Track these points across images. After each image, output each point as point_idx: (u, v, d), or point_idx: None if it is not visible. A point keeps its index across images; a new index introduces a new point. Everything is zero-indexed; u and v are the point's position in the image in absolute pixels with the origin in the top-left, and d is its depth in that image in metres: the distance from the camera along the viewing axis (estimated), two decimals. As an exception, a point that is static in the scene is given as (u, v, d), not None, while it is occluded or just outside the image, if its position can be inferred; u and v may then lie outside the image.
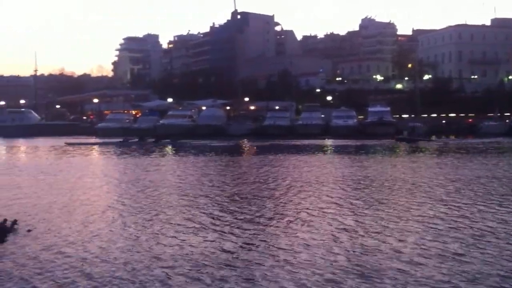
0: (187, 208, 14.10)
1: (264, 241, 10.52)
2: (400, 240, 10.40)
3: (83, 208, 14.46)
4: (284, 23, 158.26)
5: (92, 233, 11.22)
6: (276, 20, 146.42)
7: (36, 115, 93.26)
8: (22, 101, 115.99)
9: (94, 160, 34.33)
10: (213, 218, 12.89)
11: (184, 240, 10.44)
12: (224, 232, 11.23)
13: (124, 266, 8.68)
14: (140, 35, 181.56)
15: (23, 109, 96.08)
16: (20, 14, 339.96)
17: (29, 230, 11.51)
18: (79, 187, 19.21)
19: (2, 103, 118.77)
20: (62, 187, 19.16)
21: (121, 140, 51.79)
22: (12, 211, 13.54)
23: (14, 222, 11.62)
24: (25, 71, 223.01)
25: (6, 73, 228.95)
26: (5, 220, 11.43)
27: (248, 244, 10.16)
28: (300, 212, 13.45)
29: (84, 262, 8.91)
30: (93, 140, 53.78)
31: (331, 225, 11.82)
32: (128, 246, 10.01)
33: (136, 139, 51.78)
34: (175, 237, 10.81)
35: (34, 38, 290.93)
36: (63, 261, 8.97)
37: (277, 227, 11.88)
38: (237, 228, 11.77)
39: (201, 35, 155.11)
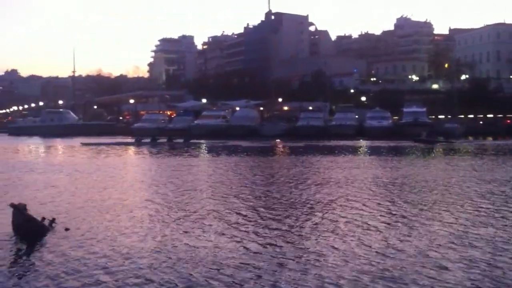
0: (222, 208, 14.12)
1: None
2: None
3: (120, 207, 14.54)
4: (318, 23, 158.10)
5: (129, 233, 11.19)
6: (310, 20, 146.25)
7: (74, 115, 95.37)
8: (60, 102, 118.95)
9: (127, 160, 34.77)
10: (243, 218, 12.93)
11: (218, 241, 10.38)
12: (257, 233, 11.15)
13: (160, 267, 8.64)
14: (175, 37, 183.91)
15: (61, 110, 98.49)
16: (59, 16, 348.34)
17: (67, 229, 11.39)
18: (115, 186, 19.36)
19: (41, 103, 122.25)
20: (97, 185, 19.34)
21: (134, 140, 52.06)
22: (49, 210, 13.58)
23: (52, 220, 11.58)
24: (64, 72, 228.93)
25: (45, 74, 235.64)
26: (44, 218, 11.34)
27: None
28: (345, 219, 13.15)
29: (124, 263, 8.87)
30: (108, 140, 54.33)
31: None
32: (167, 247, 9.95)
33: (149, 139, 52.02)
34: (209, 237, 10.78)
35: (72, 40, 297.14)
36: (100, 261, 8.99)
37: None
38: (274, 232, 11.57)
39: (235, 36, 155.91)
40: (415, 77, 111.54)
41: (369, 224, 11.92)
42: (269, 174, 23.46)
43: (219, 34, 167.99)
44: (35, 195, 16.73)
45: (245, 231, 11.30)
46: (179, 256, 9.27)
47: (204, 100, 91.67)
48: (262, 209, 14.00)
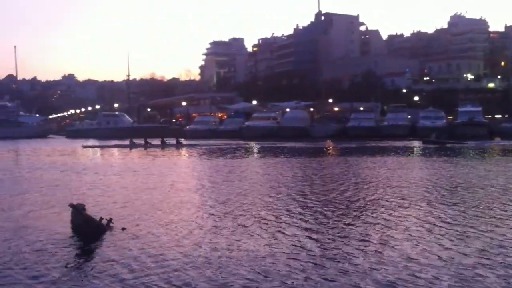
0: (278, 212, 14.05)
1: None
2: None
3: (174, 207, 14.77)
4: (369, 22, 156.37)
5: (185, 233, 11.30)
6: (360, 20, 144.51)
7: (129, 118, 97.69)
8: (115, 105, 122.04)
9: (177, 161, 35.34)
10: (297, 218, 13.00)
11: (274, 244, 10.30)
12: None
13: (219, 268, 8.68)
14: (226, 39, 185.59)
15: (116, 113, 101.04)
16: (114, 22, 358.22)
17: (123, 229, 11.63)
18: (168, 186, 19.67)
19: (98, 107, 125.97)
20: (151, 186, 19.70)
21: (127, 143, 52.08)
22: (106, 209, 13.91)
23: (110, 220, 11.80)
24: (119, 76, 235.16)
25: (101, 78, 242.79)
26: (101, 218, 11.58)
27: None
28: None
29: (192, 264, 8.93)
30: (107, 143, 55.45)
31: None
32: (222, 248, 10.04)
33: (142, 142, 52.27)
34: (267, 238, 10.84)
35: (127, 44, 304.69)
36: (158, 260, 9.12)
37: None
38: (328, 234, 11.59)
39: (285, 38, 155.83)
40: (470, 76, 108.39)
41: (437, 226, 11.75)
42: (324, 175, 23.32)
43: (269, 36, 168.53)
44: (92, 195, 17.21)
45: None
46: (234, 255, 9.36)
47: (254, 102, 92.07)
48: (329, 212, 13.87)
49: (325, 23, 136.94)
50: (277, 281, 8.04)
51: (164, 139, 51.82)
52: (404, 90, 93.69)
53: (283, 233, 11.39)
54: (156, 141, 51.06)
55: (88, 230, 11.17)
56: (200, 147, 49.08)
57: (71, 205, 11.52)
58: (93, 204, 14.52)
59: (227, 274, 8.42)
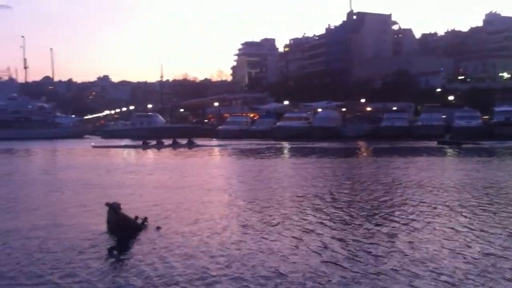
0: (306, 212, 14.06)
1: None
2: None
3: (206, 206, 14.91)
4: (402, 21, 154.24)
5: (219, 234, 11.36)
6: (393, 19, 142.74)
7: (162, 118, 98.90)
8: (149, 106, 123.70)
9: (212, 160, 35.71)
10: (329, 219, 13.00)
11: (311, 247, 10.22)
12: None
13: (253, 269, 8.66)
14: (258, 40, 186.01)
15: (150, 113, 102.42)
16: (148, 23, 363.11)
17: (158, 227, 11.78)
18: (199, 186, 19.83)
19: (132, 107, 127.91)
20: (182, 185, 19.92)
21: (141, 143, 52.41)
22: (140, 208, 14.07)
23: (145, 219, 11.94)
24: (152, 77, 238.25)
25: (135, 79, 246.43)
26: (137, 217, 11.73)
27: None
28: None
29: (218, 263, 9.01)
30: (116, 143, 55.82)
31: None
32: (255, 249, 10.08)
33: (155, 142, 52.33)
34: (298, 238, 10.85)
35: (160, 46, 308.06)
36: (189, 259, 9.24)
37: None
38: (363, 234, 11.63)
39: (316, 38, 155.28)
40: (506, 75, 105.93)
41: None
42: (354, 176, 23.30)
43: (300, 36, 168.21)
44: (127, 194, 17.47)
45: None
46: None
47: (286, 102, 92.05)
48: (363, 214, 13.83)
49: (357, 22, 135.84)
50: (303, 281, 8.08)
51: (177, 139, 52.47)
52: (439, 90, 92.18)
53: (310, 233, 11.43)
54: (182, 141, 51.33)
55: (123, 229, 11.37)
56: (211, 147, 50.09)
57: (107, 204, 11.72)
58: (127, 203, 14.55)
59: (261, 273, 8.46)
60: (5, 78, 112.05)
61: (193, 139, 53.11)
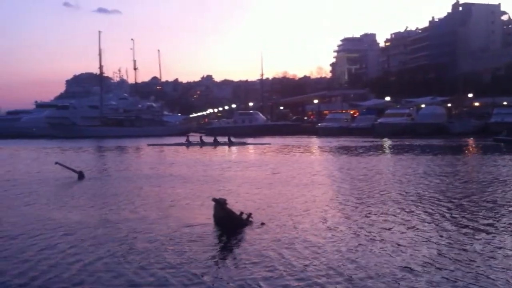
0: (407, 210, 13.88)
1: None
2: None
3: (309, 203, 15.00)
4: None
5: (327, 231, 11.38)
6: (502, 9, 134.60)
7: (263, 116, 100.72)
8: (250, 104, 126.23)
9: (309, 158, 35.70)
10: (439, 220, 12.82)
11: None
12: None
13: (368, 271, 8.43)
14: (358, 36, 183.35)
15: (251, 111, 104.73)
16: (248, 23, 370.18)
17: (262, 223, 11.89)
18: (299, 182, 20.07)
19: (234, 105, 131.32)
20: (289, 182, 20.16)
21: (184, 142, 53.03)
22: (244, 204, 14.36)
23: (249, 215, 11.99)
24: (253, 76, 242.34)
25: (236, 78, 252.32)
26: (242, 212, 11.85)
27: None
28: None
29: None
30: (170, 141, 55.87)
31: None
32: (357, 244, 10.12)
33: (198, 141, 52.83)
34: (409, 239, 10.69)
35: (260, 45, 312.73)
36: (294, 256, 9.23)
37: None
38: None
39: (419, 31, 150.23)
40: None
41: None
42: (461, 174, 22.58)
43: (402, 30, 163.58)
44: (232, 190, 18.07)
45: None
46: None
47: (387, 98, 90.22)
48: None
49: (463, 13, 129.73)
50: (421, 275, 8.13)
51: (217, 138, 53.43)
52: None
53: (413, 229, 11.39)
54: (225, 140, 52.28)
55: (229, 224, 11.71)
56: (247, 146, 50.34)
57: (214, 199, 12.11)
58: (231, 198, 14.91)
59: (370, 269, 8.46)
60: (117, 79, 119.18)
61: (231, 138, 53.57)
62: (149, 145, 53.01)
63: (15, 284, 8.01)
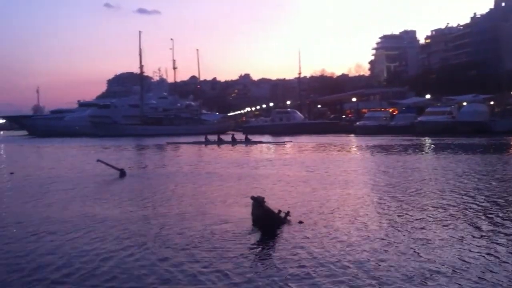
0: (447, 209, 13.70)
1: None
2: None
3: (347, 202, 14.98)
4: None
5: (363, 232, 11.20)
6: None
7: (300, 114, 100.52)
8: (287, 102, 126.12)
9: (347, 157, 35.47)
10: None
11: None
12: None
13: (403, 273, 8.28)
14: (397, 33, 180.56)
15: (289, 110, 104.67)
16: (285, 21, 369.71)
17: (300, 222, 11.91)
18: (337, 181, 19.97)
19: (271, 104, 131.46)
20: (328, 181, 19.99)
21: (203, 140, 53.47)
22: (283, 202, 14.38)
23: (287, 213, 12.04)
24: (290, 74, 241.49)
25: (274, 76, 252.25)
26: (280, 211, 11.84)
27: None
28: None
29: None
30: (188, 139, 55.89)
31: None
32: (398, 242, 10.10)
33: (215, 140, 53.14)
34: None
35: (299, 42, 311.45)
36: (331, 255, 9.22)
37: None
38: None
39: (461, 27, 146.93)
40: None
41: None
42: (502, 174, 22.03)
43: (443, 26, 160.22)
44: (270, 188, 18.10)
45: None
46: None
47: (427, 96, 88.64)
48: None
49: (506, 9, 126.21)
50: (452, 276, 8.07)
51: (235, 136, 54.59)
52: None
53: (447, 228, 11.34)
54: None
55: (267, 222, 11.75)
56: (261, 144, 50.61)
57: (252, 198, 12.17)
58: (268, 196, 14.74)
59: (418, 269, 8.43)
60: (157, 78, 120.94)
61: (249, 137, 54.24)
62: (168, 143, 53.90)
63: (49, 279, 8.22)
